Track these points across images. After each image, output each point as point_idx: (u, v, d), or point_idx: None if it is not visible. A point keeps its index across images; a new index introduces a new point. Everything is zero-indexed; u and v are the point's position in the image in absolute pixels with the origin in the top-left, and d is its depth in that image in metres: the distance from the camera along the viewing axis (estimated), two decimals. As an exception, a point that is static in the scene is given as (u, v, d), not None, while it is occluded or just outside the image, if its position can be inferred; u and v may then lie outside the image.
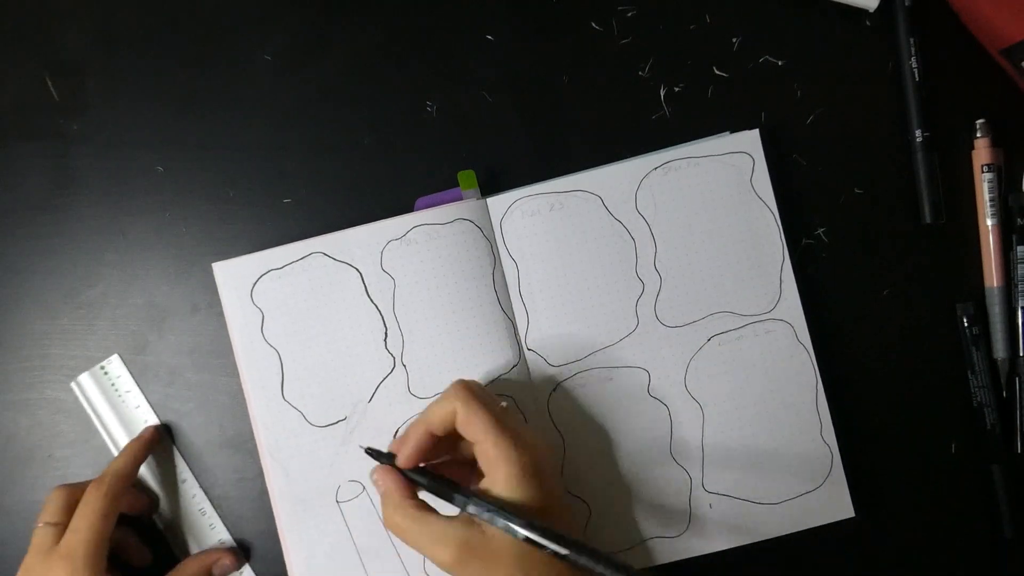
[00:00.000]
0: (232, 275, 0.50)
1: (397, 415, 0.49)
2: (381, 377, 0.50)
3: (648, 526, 0.50)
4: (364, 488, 0.49)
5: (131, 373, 0.52)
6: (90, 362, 0.52)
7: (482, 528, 0.40)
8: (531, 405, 0.50)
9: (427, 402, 0.48)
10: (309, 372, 0.50)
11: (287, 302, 0.50)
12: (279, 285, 0.50)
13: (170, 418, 0.52)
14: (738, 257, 0.51)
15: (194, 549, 0.51)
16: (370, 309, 0.50)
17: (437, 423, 0.43)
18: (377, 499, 0.49)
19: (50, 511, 0.45)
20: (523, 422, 0.49)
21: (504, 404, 0.48)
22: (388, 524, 0.42)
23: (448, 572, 0.41)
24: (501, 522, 0.40)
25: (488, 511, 0.40)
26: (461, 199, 0.50)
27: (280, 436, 0.49)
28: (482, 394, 0.43)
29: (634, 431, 0.50)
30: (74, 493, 0.46)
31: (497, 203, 0.51)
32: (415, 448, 0.43)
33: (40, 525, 0.45)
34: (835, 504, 0.50)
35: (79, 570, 0.42)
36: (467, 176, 0.51)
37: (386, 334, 0.50)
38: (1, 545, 0.52)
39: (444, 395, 0.43)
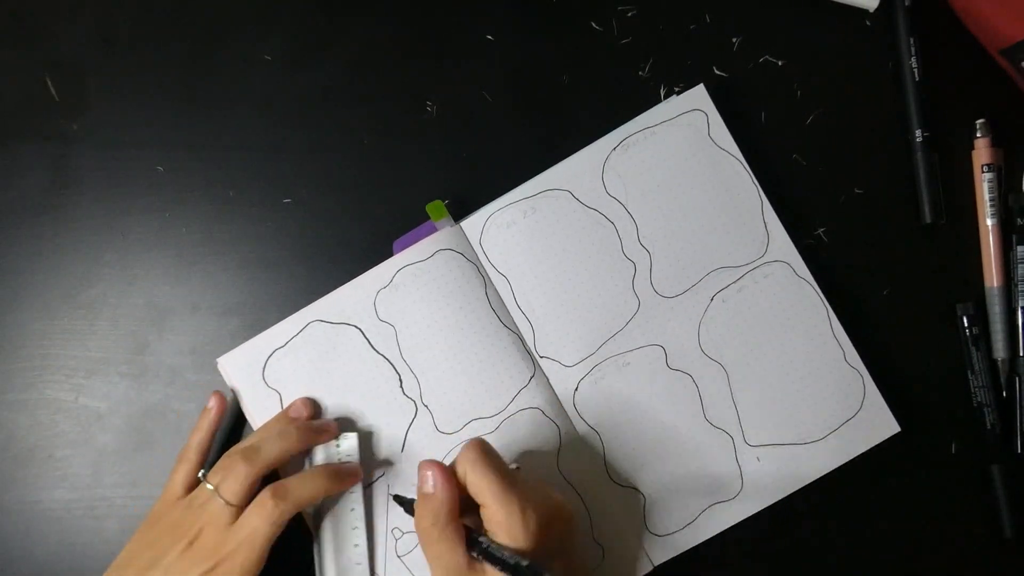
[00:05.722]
0: (241, 364, 0.49)
1: (431, 457, 0.48)
2: (407, 424, 0.49)
3: (704, 496, 0.50)
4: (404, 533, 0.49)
5: (132, 374, 0.52)
6: (90, 362, 0.52)
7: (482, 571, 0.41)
8: (558, 410, 0.50)
9: (456, 437, 0.49)
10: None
11: (300, 376, 0.49)
12: (287, 362, 0.49)
13: (170, 419, 0.52)
14: (718, 212, 0.50)
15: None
16: (379, 361, 0.49)
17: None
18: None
19: (231, 488, 0.44)
20: (535, 487, 0.45)
21: (515, 466, 0.47)
22: (422, 528, 0.42)
23: None
24: (499, 554, 0.40)
25: (488, 548, 0.41)
26: (436, 231, 0.50)
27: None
28: (491, 457, 0.43)
29: (664, 407, 0.50)
30: (256, 477, 0.44)
31: (472, 224, 0.50)
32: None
33: (220, 501, 0.44)
34: (878, 424, 0.50)
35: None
36: (436, 207, 0.50)
37: (401, 381, 0.49)
38: (1, 544, 0.51)
39: (458, 457, 0.43)
